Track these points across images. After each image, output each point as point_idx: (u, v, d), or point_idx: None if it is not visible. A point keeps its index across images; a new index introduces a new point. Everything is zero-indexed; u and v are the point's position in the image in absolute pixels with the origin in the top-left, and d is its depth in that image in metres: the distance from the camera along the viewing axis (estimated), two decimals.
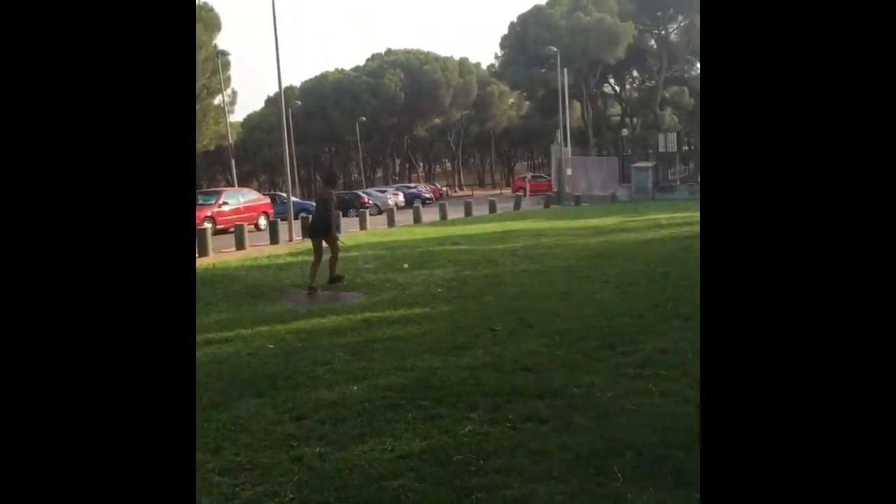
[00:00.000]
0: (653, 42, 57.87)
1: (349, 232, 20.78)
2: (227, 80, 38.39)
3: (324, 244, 10.86)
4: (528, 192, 44.80)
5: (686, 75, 64.95)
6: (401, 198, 42.41)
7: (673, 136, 37.50)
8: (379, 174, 79.93)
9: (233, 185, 36.82)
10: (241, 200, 27.04)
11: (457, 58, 68.48)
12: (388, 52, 69.63)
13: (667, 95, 62.09)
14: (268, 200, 29.42)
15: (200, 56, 33.21)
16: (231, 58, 39.79)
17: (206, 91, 37.12)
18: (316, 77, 69.74)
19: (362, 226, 24.19)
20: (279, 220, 22.51)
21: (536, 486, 3.62)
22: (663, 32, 57.13)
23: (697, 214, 17.16)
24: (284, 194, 26.62)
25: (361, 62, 69.92)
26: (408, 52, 67.90)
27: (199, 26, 31.37)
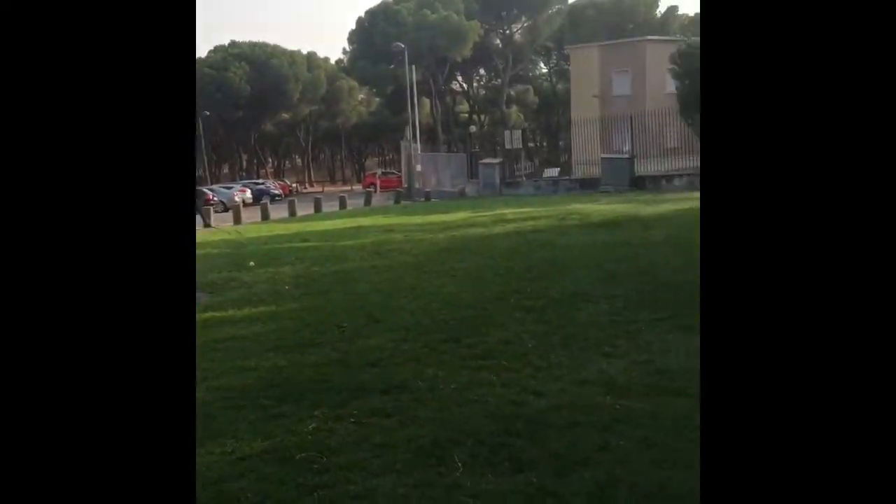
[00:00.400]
0: (498, 41, 59.26)
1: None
2: None
3: None
4: (378, 189, 44.80)
5: (530, 74, 67.00)
6: (248, 194, 41.40)
7: (518, 134, 38.47)
8: (225, 170, 77.59)
9: None
10: None
11: (304, 52, 67.55)
12: (233, 44, 67.52)
13: (512, 93, 63.77)
14: None
15: None
16: None
17: None
18: None
19: (207, 223, 23.43)
20: None
21: (379, 479, 3.64)
22: (507, 32, 58.61)
23: (541, 209, 17.72)
24: None
25: (203, 54, 67.63)
26: (253, 44, 66.12)
27: None
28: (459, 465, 3.76)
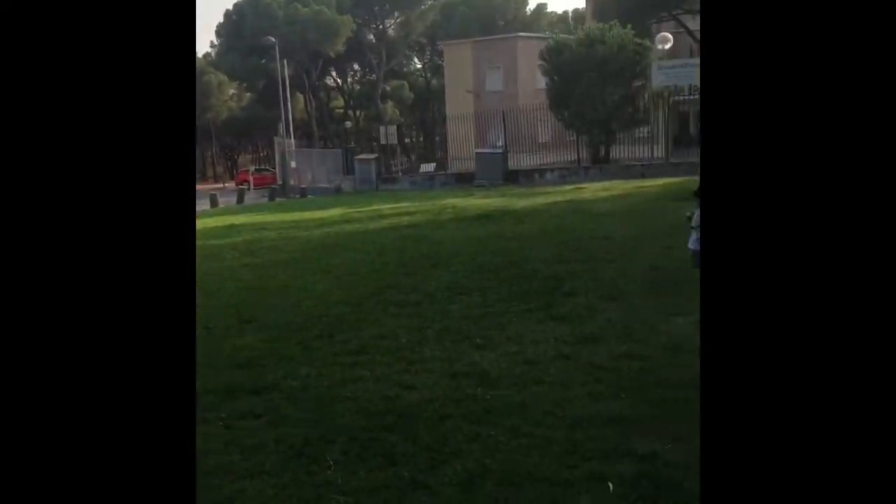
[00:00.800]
0: (371, 36, 59.06)
1: None
2: None
3: None
4: (252, 186, 43.79)
5: (405, 69, 67.13)
6: None
7: (394, 129, 38.47)
8: None
9: None
10: None
11: None
12: None
13: (387, 89, 63.71)
14: None
15: None
16: None
17: None
18: None
19: None
20: None
21: (247, 482, 3.57)
22: (381, 27, 58.51)
23: (417, 204, 17.75)
24: None
25: None
26: None
27: None
28: (330, 462, 3.72)
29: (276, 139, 39.90)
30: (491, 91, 41.97)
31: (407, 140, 65.50)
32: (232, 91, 70.39)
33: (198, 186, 61.76)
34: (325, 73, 61.42)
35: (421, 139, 72.44)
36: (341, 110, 67.44)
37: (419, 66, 68.91)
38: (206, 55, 65.17)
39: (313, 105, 59.31)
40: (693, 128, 29.58)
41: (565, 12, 63.97)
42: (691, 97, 25.08)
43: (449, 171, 33.83)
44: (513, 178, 25.55)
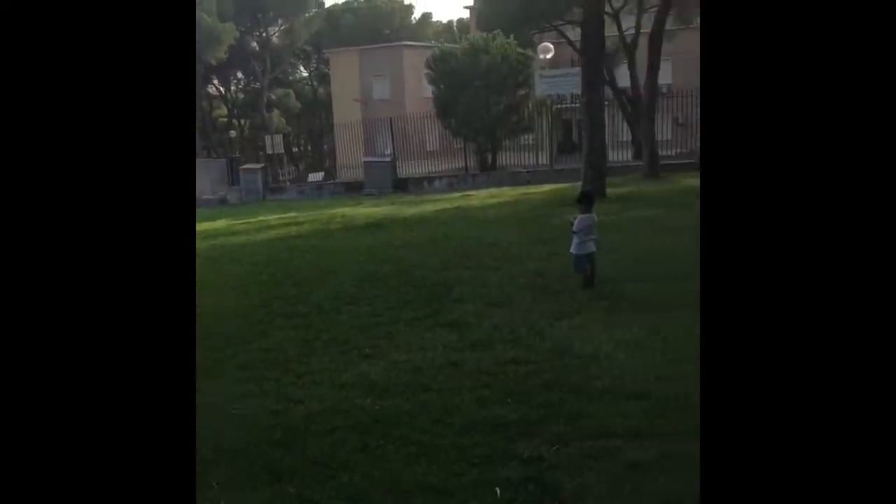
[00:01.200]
0: (255, 44, 58.06)
1: None
2: None
3: None
4: None
5: (291, 77, 66.28)
6: None
7: (280, 138, 37.88)
8: None
9: None
10: None
11: None
12: None
13: (273, 97, 62.74)
14: None
15: None
16: None
17: None
18: None
19: None
20: None
21: None
22: (264, 34, 57.61)
23: (305, 214, 17.49)
24: None
25: None
26: None
27: None
28: (215, 484, 3.63)
29: None
30: (378, 99, 42.02)
31: (294, 149, 64.50)
32: None
33: None
34: (207, 81, 59.88)
35: (309, 148, 71.58)
36: (225, 119, 65.91)
37: (305, 74, 68.17)
38: None
39: (195, 114, 57.76)
40: (576, 135, 30.40)
41: (450, 22, 64.71)
42: (573, 105, 25.77)
43: (338, 180, 33.53)
44: (402, 186, 25.62)
